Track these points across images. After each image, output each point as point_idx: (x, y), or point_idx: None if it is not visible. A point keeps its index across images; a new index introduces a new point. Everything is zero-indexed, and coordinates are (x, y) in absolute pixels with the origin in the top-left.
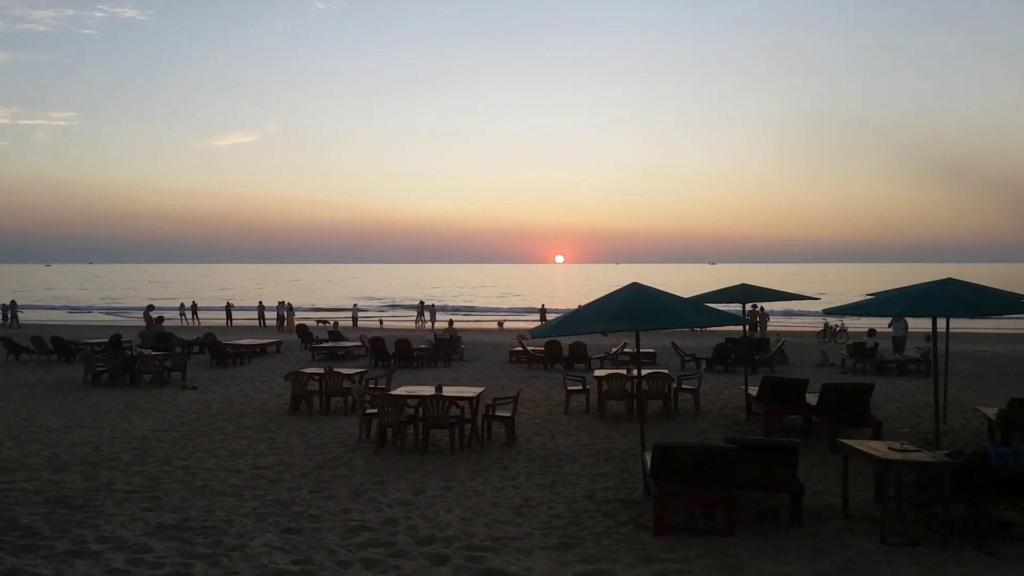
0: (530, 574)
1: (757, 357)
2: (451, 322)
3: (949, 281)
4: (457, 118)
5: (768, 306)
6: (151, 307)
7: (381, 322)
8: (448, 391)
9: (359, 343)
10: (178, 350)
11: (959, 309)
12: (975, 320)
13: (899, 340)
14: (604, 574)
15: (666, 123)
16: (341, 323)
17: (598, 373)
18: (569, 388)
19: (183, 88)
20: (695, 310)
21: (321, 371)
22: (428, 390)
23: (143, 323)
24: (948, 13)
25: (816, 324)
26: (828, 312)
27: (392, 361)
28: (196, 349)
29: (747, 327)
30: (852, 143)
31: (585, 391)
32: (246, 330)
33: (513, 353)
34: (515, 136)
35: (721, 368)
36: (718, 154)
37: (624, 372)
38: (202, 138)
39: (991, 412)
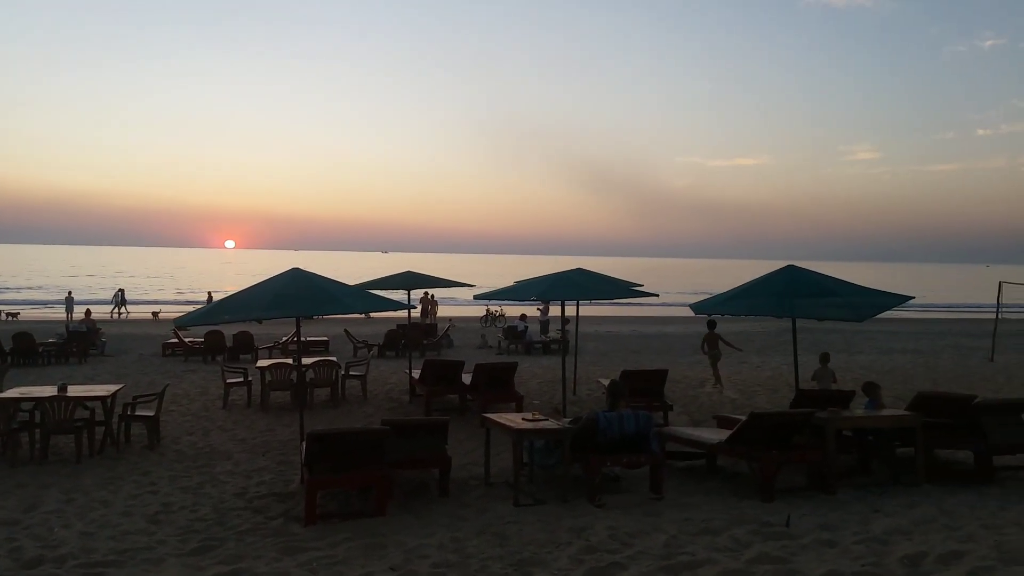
0: None
1: (426, 342)
2: (88, 311)
3: (577, 271)
4: (104, 80)
5: (440, 294)
6: None
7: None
8: (76, 390)
9: None
10: None
11: (578, 293)
12: (606, 304)
13: (544, 323)
14: (243, 572)
15: (349, 113)
16: None
17: (261, 363)
18: (228, 381)
19: None
20: (358, 296)
21: None
22: (50, 390)
23: None
24: (597, 42)
25: (481, 310)
26: (477, 298)
27: (7, 359)
28: None
29: (416, 312)
30: (519, 146)
31: (247, 383)
32: None
33: (168, 346)
34: (179, 106)
35: (392, 354)
36: (398, 147)
37: (290, 361)
38: None
39: (607, 383)
